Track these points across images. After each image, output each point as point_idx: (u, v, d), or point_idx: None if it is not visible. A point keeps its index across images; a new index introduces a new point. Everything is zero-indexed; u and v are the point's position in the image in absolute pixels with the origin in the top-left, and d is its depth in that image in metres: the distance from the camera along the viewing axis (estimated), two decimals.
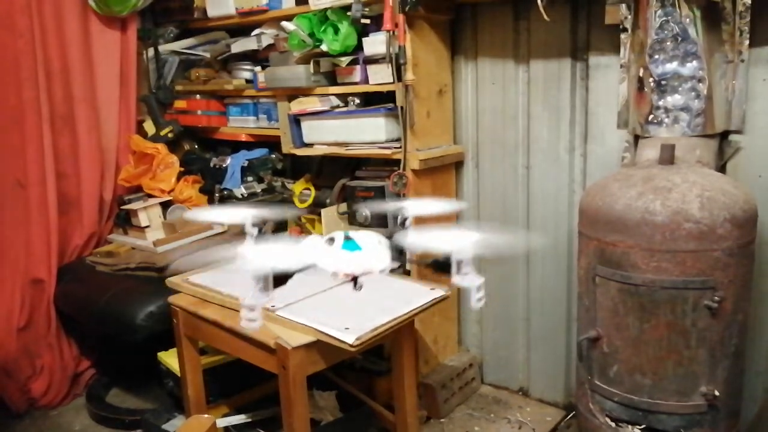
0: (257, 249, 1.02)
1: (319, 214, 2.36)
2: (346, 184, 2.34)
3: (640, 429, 1.62)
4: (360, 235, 1.02)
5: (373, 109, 2.21)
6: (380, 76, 2.17)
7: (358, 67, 2.24)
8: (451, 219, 2.39)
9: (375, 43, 2.14)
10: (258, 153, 2.62)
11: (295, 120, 2.40)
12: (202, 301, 1.89)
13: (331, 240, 1.02)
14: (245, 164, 2.56)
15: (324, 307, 1.73)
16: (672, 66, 1.65)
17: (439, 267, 1.07)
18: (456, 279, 1.06)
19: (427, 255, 1.09)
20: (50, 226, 2.45)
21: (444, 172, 2.32)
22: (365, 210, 2.22)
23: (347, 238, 1.01)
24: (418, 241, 1.06)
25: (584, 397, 1.74)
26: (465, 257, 1.05)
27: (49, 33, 2.42)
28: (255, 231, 1.12)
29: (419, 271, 2.19)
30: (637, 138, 1.79)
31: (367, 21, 2.12)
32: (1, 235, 2.38)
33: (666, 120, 1.68)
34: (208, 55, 2.71)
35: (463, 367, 2.43)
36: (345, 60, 2.23)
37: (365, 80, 2.23)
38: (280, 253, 1.00)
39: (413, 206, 1.22)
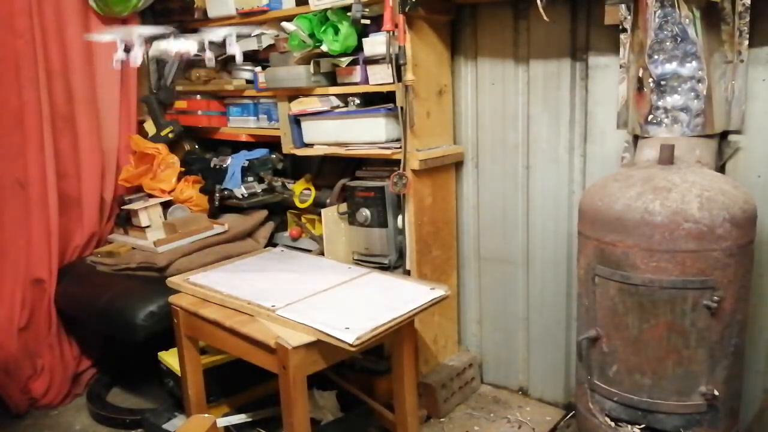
0: None
1: (319, 214, 2.36)
2: (347, 184, 2.34)
3: (639, 429, 1.62)
4: None
5: (373, 109, 2.22)
6: (380, 77, 2.17)
7: (358, 68, 2.24)
8: (450, 224, 2.40)
9: (375, 44, 2.14)
10: (258, 153, 2.62)
11: (296, 120, 2.40)
12: (202, 301, 1.90)
13: None
14: (245, 164, 2.56)
15: (324, 307, 1.73)
16: (671, 66, 1.65)
17: None
18: None
19: None
20: (51, 226, 2.45)
21: (444, 172, 2.33)
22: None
23: None
24: None
25: (584, 397, 1.75)
26: None
27: (50, 33, 2.43)
28: None
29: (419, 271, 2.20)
30: (636, 138, 1.79)
31: (367, 21, 2.13)
32: (1, 235, 2.38)
33: (665, 120, 1.68)
34: None
35: (462, 366, 2.43)
36: (345, 60, 2.23)
37: (365, 80, 2.23)
38: None
39: None
